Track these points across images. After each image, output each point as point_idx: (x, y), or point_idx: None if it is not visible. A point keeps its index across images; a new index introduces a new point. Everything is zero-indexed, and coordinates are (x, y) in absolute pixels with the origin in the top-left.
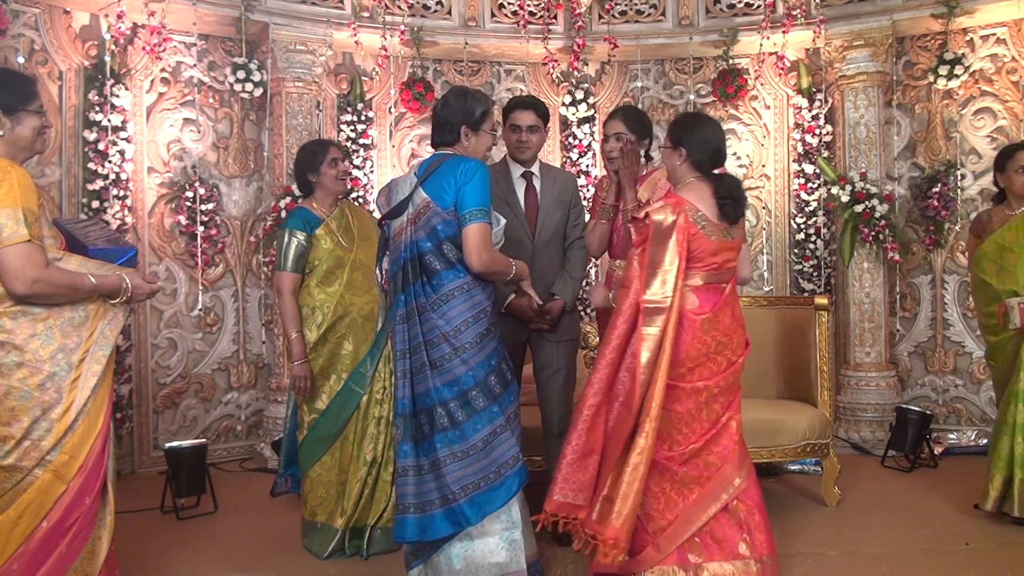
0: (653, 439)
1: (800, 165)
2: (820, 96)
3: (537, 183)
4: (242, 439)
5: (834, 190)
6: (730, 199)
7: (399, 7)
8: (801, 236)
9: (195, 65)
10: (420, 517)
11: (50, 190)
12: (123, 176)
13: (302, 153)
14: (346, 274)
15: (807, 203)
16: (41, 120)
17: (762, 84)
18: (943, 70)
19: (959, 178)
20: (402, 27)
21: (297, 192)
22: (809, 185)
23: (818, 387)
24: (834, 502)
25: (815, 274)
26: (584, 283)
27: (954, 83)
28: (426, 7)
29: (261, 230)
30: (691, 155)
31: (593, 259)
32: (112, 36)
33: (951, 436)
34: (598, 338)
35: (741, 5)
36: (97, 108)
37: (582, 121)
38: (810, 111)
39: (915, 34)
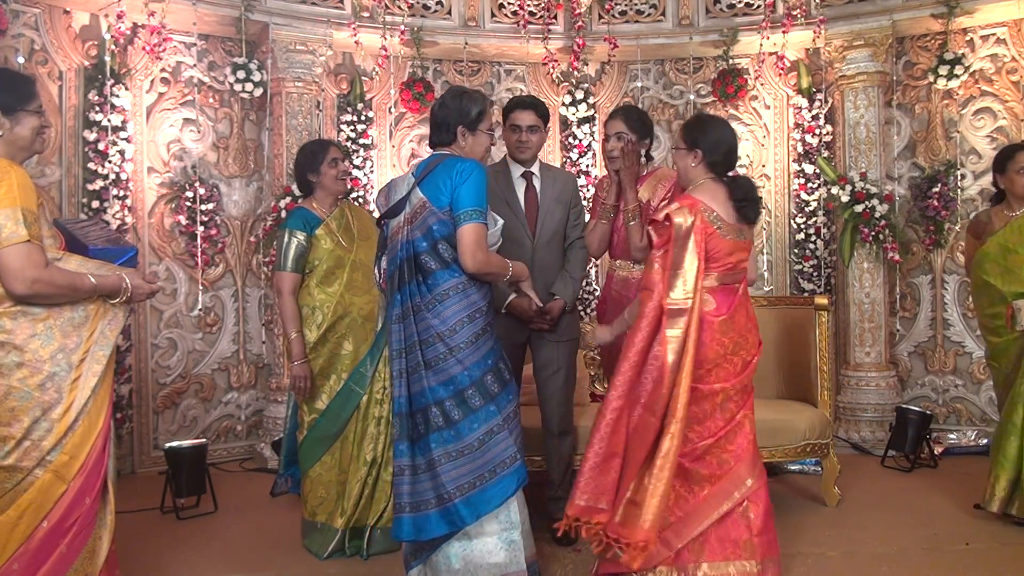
0: (679, 440)
1: (800, 165)
2: (820, 96)
3: (537, 183)
4: (242, 439)
5: (834, 190)
6: (747, 201)
7: (399, 7)
8: (801, 236)
9: (195, 65)
10: (415, 516)
11: (50, 190)
12: (123, 176)
13: (302, 153)
14: (346, 274)
15: (807, 203)
16: (40, 120)
17: (762, 84)
18: (943, 70)
19: (959, 178)
20: (402, 27)
21: (297, 192)
22: (809, 185)
23: (818, 387)
24: (834, 502)
25: (815, 274)
26: (584, 283)
27: (954, 83)
28: (426, 7)
29: (261, 230)
30: (707, 156)
31: (593, 259)
32: (112, 36)
33: (951, 436)
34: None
35: (741, 5)
36: (97, 108)
37: (582, 121)
38: (810, 111)
39: (915, 34)
